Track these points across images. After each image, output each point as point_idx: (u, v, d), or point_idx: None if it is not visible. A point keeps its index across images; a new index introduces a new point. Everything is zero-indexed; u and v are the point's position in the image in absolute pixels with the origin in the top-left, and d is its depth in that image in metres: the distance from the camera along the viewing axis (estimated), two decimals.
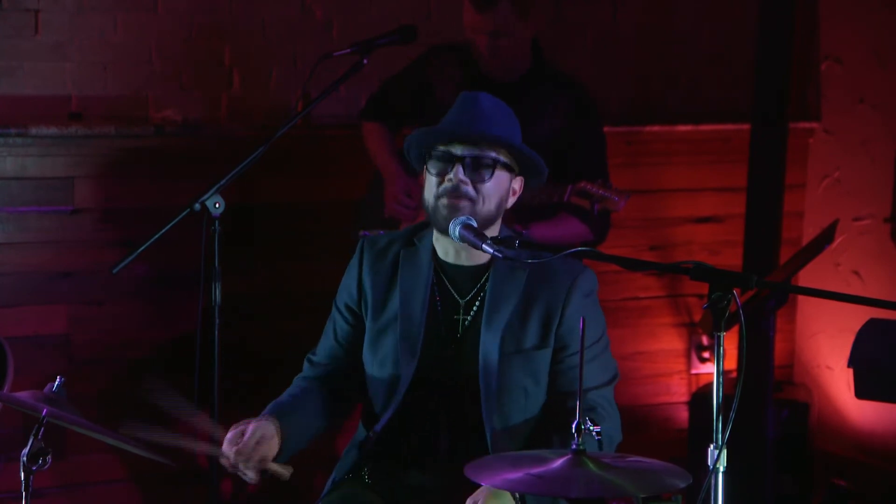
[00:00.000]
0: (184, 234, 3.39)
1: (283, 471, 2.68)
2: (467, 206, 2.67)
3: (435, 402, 2.75)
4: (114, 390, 4.26)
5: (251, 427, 2.66)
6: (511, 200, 2.78)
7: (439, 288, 2.79)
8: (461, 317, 2.77)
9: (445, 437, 2.75)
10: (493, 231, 2.73)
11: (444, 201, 2.68)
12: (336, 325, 2.89)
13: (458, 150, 2.68)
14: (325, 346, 2.91)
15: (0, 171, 4.12)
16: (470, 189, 2.67)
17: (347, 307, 2.87)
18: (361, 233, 3.85)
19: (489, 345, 2.71)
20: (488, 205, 2.69)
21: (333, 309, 2.91)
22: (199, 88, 4.41)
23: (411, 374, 2.74)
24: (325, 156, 4.48)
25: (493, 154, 2.69)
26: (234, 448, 2.62)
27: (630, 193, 3.71)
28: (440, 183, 2.69)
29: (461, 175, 2.66)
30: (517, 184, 2.78)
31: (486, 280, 2.76)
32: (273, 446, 2.68)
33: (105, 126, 4.25)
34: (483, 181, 2.68)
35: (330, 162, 4.47)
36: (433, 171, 2.71)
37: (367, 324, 2.83)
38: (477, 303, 2.76)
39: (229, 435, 2.65)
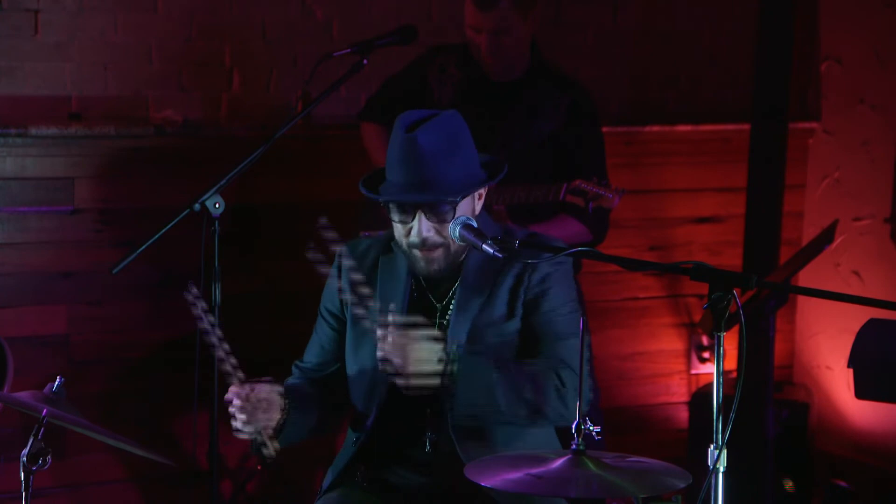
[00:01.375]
0: (184, 235, 3.39)
1: (272, 447, 2.64)
2: (440, 252, 2.70)
3: (417, 402, 2.74)
4: (113, 390, 4.27)
5: (263, 386, 2.65)
6: (479, 203, 2.78)
7: (418, 293, 2.80)
8: (437, 320, 2.77)
9: (431, 435, 2.75)
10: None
11: (417, 253, 2.71)
12: (322, 332, 2.90)
13: (415, 197, 2.66)
14: (313, 352, 2.92)
15: (1, 171, 4.12)
16: (436, 237, 2.68)
17: (331, 313, 2.88)
18: (362, 233, 3.85)
19: (462, 314, 2.72)
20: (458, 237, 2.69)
21: (320, 315, 2.91)
22: (199, 89, 4.42)
23: (389, 381, 2.72)
24: (325, 156, 4.48)
25: (450, 198, 2.67)
26: (247, 388, 2.62)
27: (625, 190, 3.71)
28: (406, 232, 2.70)
29: (425, 229, 2.67)
30: (482, 190, 2.77)
31: (458, 276, 2.77)
32: (274, 413, 2.67)
33: (105, 126, 4.26)
34: (446, 220, 2.67)
35: (330, 162, 4.48)
36: (395, 217, 2.72)
37: (348, 328, 2.84)
38: (453, 303, 2.77)
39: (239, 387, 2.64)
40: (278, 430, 2.69)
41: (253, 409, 2.63)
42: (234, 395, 2.63)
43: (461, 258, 2.77)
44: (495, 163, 2.79)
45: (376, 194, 2.74)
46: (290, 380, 2.90)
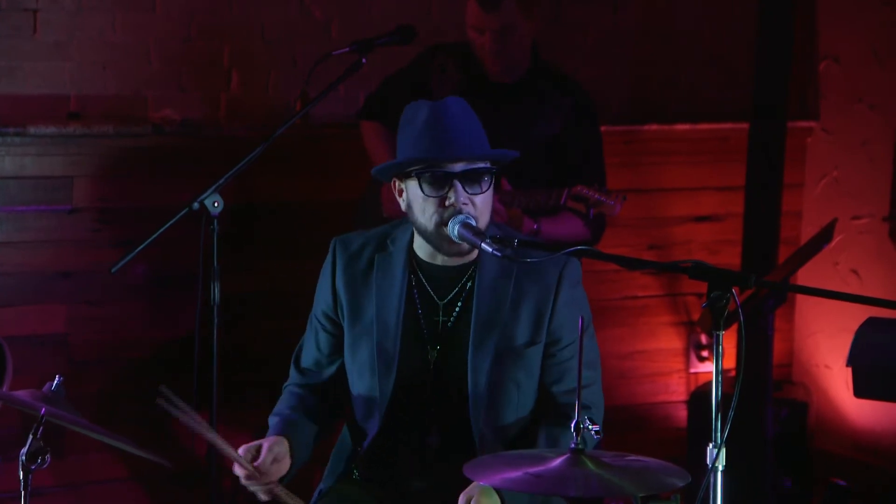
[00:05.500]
0: (183, 234, 3.39)
1: (293, 502, 2.65)
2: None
3: (421, 405, 2.73)
4: (112, 390, 4.26)
5: (266, 446, 2.65)
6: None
7: (418, 290, 2.76)
8: (440, 318, 2.75)
9: (435, 439, 2.74)
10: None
11: (447, 230, 2.63)
12: (317, 336, 2.85)
13: (453, 167, 2.62)
14: (309, 356, 2.87)
15: (0, 170, 4.13)
16: (471, 209, 2.63)
17: (325, 315, 2.83)
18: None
19: (482, 346, 2.69)
20: (484, 217, 2.67)
21: (314, 319, 2.86)
22: (198, 88, 4.41)
23: (390, 385, 2.72)
24: (324, 155, 4.48)
25: (486, 165, 2.66)
26: (251, 467, 2.61)
27: (626, 196, 3.71)
28: (439, 204, 2.63)
29: (462, 196, 2.62)
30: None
31: (469, 280, 2.73)
32: (285, 466, 2.68)
33: (104, 126, 4.25)
34: (481, 192, 2.64)
35: (328, 161, 4.47)
36: (429, 192, 2.64)
37: (345, 329, 2.80)
38: (459, 303, 2.74)
39: (242, 451, 2.63)
40: (287, 476, 2.69)
41: (268, 470, 2.63)
42: (242, 476, 2.63)
43: (467, 260, 2.73)
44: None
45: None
46: (289, 395, 2.86)
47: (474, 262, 2.74)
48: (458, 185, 2.62)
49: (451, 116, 2.64)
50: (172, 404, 2.53)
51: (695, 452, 4.10)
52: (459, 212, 2.61)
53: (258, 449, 2.64)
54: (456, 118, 2.64)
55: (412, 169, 2.65)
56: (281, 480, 2.66)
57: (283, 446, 2.67)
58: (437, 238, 2.67)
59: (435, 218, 2.64)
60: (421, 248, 2.76)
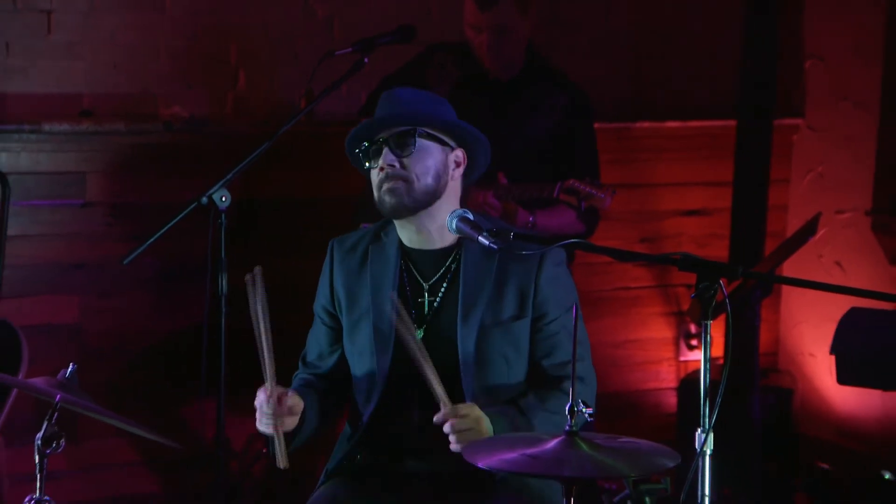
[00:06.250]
0: (191, 227, 3.39)
1: (283, 458, 2.65)
2: (402, 187, 2.71)
3: (413, 384, 2.75)
4: (124, 377, 4.27)
5: (291, 392, 2.68)
6: (456, 173, 2.79)
7: (407, 274, 2.80)
8: (426, 299, 2.78)
9: (428, 418, 2.76)
10: (450, 206, 2.75)
11: (383, 190, 2.73)
12: (319, 330, 2.92)
13: (381, 135, 2.73)
14: (314, 350, 2.93)
15: (14, 166, 4.12)
16: (399, 170, 2.71)
17: (325, 310, 2.89)
18: (362, 225, 3.86)
19: (469, 323, 2.72)
20: (424, 179, 2.72)
21: (315, 314, 2.92)
22: (206, 86, 4.42)
23: (388, 362, 2.75)
24: (327, 151, 4.47)
25: (407, 128, 2.73)
26: (279, 391, 2.63)
27: (616, 190, 3.72)
28: (378, 174, 2.74)
29: (389, 157, 2.71)
30: (458, 155, 2.79)
31: (453, 262, 2.77)
32: (293, 422, 2.69)
33: (115, 123, 4.26)
34: (409, 153, 2.71)
35: (331, 157, 4.46)
36: (370, 163, 2.76)
37: (343, 319, 2.85)
38: (444, 284, 2.78)
39: (270, 389, 2.65)
40: (291, 437, 2.70)
41: (279, 413, 2.65)
42: (263, 398, 2.65)
43: (448, 243, 2.77)
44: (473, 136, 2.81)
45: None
46: (298, 381, 2.89)
47: (457, 245, 2.78)
48: (385, 150, 2.72)
49: (387, 100, 2.77)
50: (255, 284, 2.63)
51: (684, 437, 4.11)
52: (388, 174, 2.71)
53: (285, 391, 2.67)
54: (391, 100, 2.76)
55: (357, 150, 2.77)
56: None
57: (300, 404, 2.70)
58: (380, 204, 2.76)
59: (375, 184, 2.76)
60: (403, 234, 2.81)
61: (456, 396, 2.71)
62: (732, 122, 4.88)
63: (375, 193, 2.76)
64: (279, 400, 2.63)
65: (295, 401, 2.68)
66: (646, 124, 4.96)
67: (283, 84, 4.46)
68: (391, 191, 2.71)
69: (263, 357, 2.64)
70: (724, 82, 4.99)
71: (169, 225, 3.37)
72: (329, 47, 3.90)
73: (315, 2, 4.52)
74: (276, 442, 2.65)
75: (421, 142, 2.72)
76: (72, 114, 4.23)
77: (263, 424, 2.65)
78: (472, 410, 2.59)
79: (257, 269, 2.63)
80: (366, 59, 3.68)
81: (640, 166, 4.95)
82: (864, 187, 4.93)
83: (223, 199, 3.37)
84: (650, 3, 4.99)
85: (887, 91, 4.86)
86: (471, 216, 2.68)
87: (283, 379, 2.94)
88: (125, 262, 3.41)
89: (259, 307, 2.63)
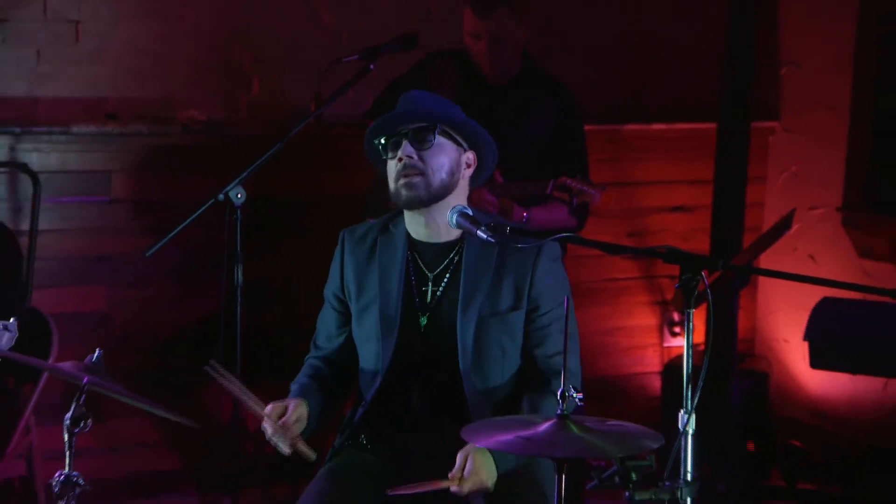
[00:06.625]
0: (209, 222, 3.38)
1: (310, 453, 2.69)
2: (420, 181, 2.69)
3: (415, 368, 2.75)
4: (147, 362, 4.27)
5: (292, 405, 2.68)
6: (467, 172, 2.78)
7: (413, 265, 2.79)
8: (430, 288, 2.77)
9: (428, 400, 2.75)
10: (457, 201, 2.73)
11: (400, 182, 2.71)
12: (328, 314, 2.90)
13: (402, 128, 2.72)
14: (323, 332, 2.91)
15: (45, 165, 4.12)
16: (417, 162, 2.69)
17: (335, 296, 2.88)
18: (368, 220, 3.84)
19: (468, 313, 2.71)
20: (439, 174, 2.70)
21: (326, 299, 2.91)
22: (222, 91, 4.41)
23: (392, 345, 2.74)
24: (335, 152, 4.47)
25: (425, 124, 2.72)
26: (279, 423, 2.64)
27: (605, 186, 3.70)
28: (395, 165, 2.72)
29: (408, 149, 2.69)
30: (469, 157, 2.78)
31: (456, 255, 2.76)
32: (303, 425, 2.70)
33: (138, 125, 4.25)
34: (427, 147, 2.70)
35: (339, 157, 4.47)
36: (389, 155, 2.74)
37: (352, 305, 2.84)
38: (447, 275, 2.76)
39: (269, 409, 2.65)
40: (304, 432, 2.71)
41: (291, 427, 2.66)
42: (271, 431, 2.66)
43: (453, 237, 2.75)
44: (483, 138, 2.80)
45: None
46: (308, 366, 2.89)
47: (460, 239, 2.77)
48: (405, 142, 2.70)
49: (406, 99, 2.76)
50: (217, 371, 2.62)
51: (667, 418, 4.10)
52: (406, 165, 2.69)
53: (284, 409, 2.67)
54: (410, 99, 2.75)
55: (377, 141, 2.75)
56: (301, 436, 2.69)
57: (304, 408, 2.70)
58: (396, 196, 2.74)
59: (393, 175, 2.73)
60: (411, 226, 2.80)
61: (454, 380, 2.71)
62: (713, 125, 4.86)
63: (392, 185, 2.74)
64: (283, 424, 2.64)
65: (299, 412, 2.68)
66: (633, 127, 4.95)
67: (294, 89, 4.45)
68: (408, 184, 2.70)
69: (250, 407, 2.65)
70: (706, 88, 4.98)
71: (188, 220, 3.35)
72: (337, 55, 3.89)
73: (324, 13, 4.51)
74: (300, 448, 2.67)
75: (439, 138, 2.71)
76: (98, 117, 4.22)
77: (282, 448, 2.68)
78: (473, 476, 2.56)
79: (213, 362, 2.63)
80: (371, 66, 3.66)
81: (628, 166, 4.94)
82: (835, 185, 4.92)
83: (238, 196, 3.35)
84: (639, 14, 4.98)
85: (857, 96, 4.85)
86: (470, 211, 2.67)
87: (296, 364, 2.94)
88: (148, 255, 3.39)
89: (230, 384, 2.63)
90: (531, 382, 2.73)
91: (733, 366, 4.34)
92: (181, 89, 4.35)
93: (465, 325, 2.71)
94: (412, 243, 2.80)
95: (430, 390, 2.75)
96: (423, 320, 2.75)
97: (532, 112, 3.86)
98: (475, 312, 2.71)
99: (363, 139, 4.20)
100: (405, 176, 2.70)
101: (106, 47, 4.23)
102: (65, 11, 4.16)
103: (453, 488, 2.55)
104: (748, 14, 4.80)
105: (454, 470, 2.55)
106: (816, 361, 4.08)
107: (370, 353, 2.79)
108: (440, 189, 2.71)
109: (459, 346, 2.71)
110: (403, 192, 2.71)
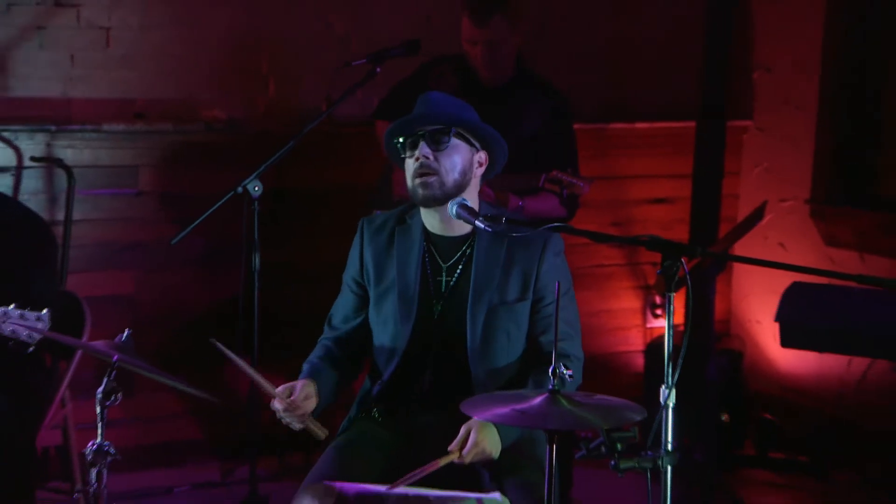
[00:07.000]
0: (229, 213, 3.39)
1: (320, 431, 2.68)
2: (435, 181, 2.69)
3: (429, 351, 2.75)
4: (171, 341, 4.27)
5: (299, 385, 2.67)
6: (478, 171, 2.77)
7: (428, 255, 2.78)
8: (444, 278, 2.76)
9: (438, 380, 2.75)
10: (469, 197, 2.72)
11: (417, 181, 2.70)
12: (347, 297, 2.88)
13: (419, 130, 2.71)
14: (339, 314, 2.90)
15: (79, 160, 4.12)
16: (433, 162, 2.68)
17: (354, 280, 2.86)
18: (375, 212, 3.84)
19: (479, 300, 2.72)
20: (453, 174, 2.69)
21: (344, 283, 2.89)
22: (241, 93, 4.40)
23: (409, 329, 2.74)
24: (344, 149, 4.47)
25: (448, 126, 2.71)
26: (288, 400, 2.63)
27: (593, 180, 3.70)
28: (413, 164, 2.70)
29: (424, 150, 2.68)
30: (481, 157, 2.77)
31: (468, 248, 2.76)
32: (313, 404, 2.69)
33: (163, 123, 4.24)
34: (442, 148, 2.68)
35: (348, 154, 4.47)
36: (407, 154, 2.72)
37: (371, 290, 2.82)
38: (460, 267, 2.76)
39: (280, 389, 2.65)
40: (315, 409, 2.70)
41: (300, 406, 2.65)
42: (279, 408, 2.65)
43: (466, 231, 2.75)
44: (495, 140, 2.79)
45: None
46: (320, 346, 2.87)
47: (472, 233, 2.76)
48: (422, 143, 2.69)
49: (424, 101, 2.74)
50: (223, 352, 2.58)
51: (650, 393, 4.12)
52: (422, 165, 2.67)
53: (293, 388, 2.67)
54: (428, 101, 2.73)
55: (396, 141, 2.74)
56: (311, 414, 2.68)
57: (311, 387, 2.69)
58: (413, 194, 2.72)
59: (410, 174, 2.71)
60: (427, 220, 2.79)
61: (463, 362, 2.71)
62: (692, 124, 4.87)
63: (409, 182, 2.72)
64: (292, 402, 2.63)
65: (307, 391, 2.67)
66: (619, 125, 4.94)
67: (308, 91, 4.44)
68: (424, 184, 2.69)
69: (258, 383, 2.62)
70: (685, 90, 4.97)
71: (210, 211, 3.37)
72: (346, 59, 3.88)
73: (335, 20, 4.50)
74: (309, 426, 2.66)
75: (454, 140, 2.70)
76: (127, 116, 4.22)
77: (293, 425, 2.67)
78: (475, 448, 2.54)
79: (212, 340, 2.58)
80: (378, 69, 3.66)
81: (613, 161, 4.94)
82: (803, 179, 4.92)
83: (256, 188, 3.37)
84: (625, 21, 4.97)
85: (824, 97, 4.85)
86: (468, 203, 2.67)
87: (309, 343, 2.94)
88: (173, 243, 3.41)
89: (235, 359, 2.59)
90: (536, 365, 2.74)
91: (710, 345, 4.35)
92: (203, 91, 4.35)
93: (476, 313, 2.71)
94: (428, 236, 2.79)
95: (440, 372, 2.75)
96: (438, 307, 2.75)
97: (526, 112, 3.86)
98: (485, 302, 2.71)
99: (369, 138, 4.21)
100: (421, 175, 2.69)
101: (134, 52, 4.23)
102: (97, 19, 4.16)
103: (456, 460, 2.54)
104: (724, 22, 4.80)
105: (454, 443, 2.55)
106: (786, 341, 4.09)
107: (387, 335, 2.78)
108: (453, 188, 2.70)
109: (469, 332, 2.71)
110: (420, 190, 2.70)
